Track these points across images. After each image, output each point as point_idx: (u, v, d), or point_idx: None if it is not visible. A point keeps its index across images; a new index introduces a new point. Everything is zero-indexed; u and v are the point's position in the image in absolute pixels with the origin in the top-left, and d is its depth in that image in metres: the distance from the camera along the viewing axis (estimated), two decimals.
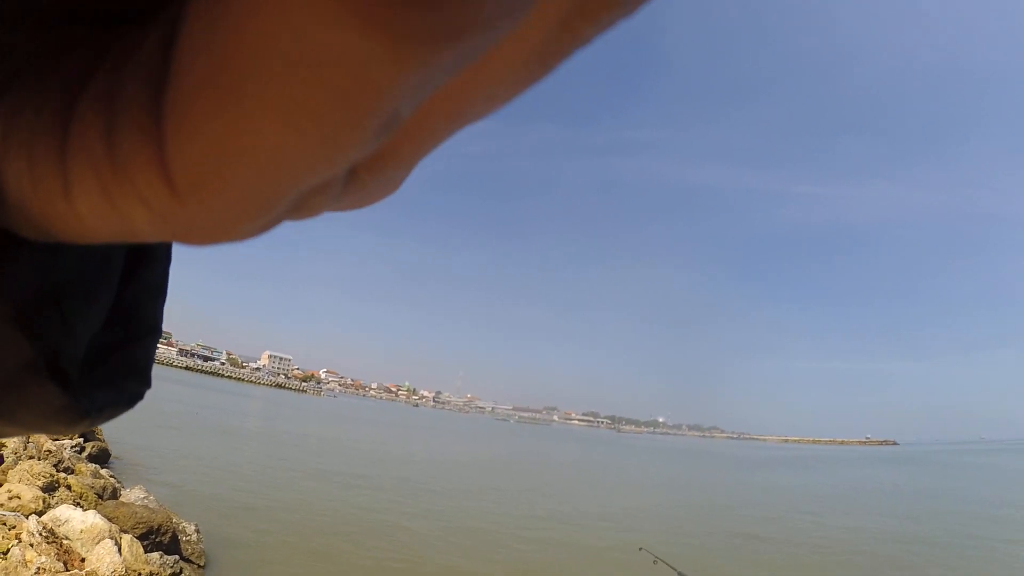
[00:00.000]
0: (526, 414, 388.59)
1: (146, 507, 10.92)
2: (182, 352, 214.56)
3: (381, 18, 0.13)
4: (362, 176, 0.21)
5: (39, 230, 0.23)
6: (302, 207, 0.21)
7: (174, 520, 10.96)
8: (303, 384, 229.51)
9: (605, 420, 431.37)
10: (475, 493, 25.00)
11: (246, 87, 0.15)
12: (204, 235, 0.20)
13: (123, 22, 0.22)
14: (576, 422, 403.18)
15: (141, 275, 0.35)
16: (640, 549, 7.73)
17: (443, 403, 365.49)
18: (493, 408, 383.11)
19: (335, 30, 0.13)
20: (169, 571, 9.32)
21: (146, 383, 0.36)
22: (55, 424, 0.29)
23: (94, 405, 0.31)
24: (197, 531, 11.32)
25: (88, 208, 0.20)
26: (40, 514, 8.62)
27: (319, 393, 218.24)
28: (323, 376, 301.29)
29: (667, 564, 6.38)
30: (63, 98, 0.21)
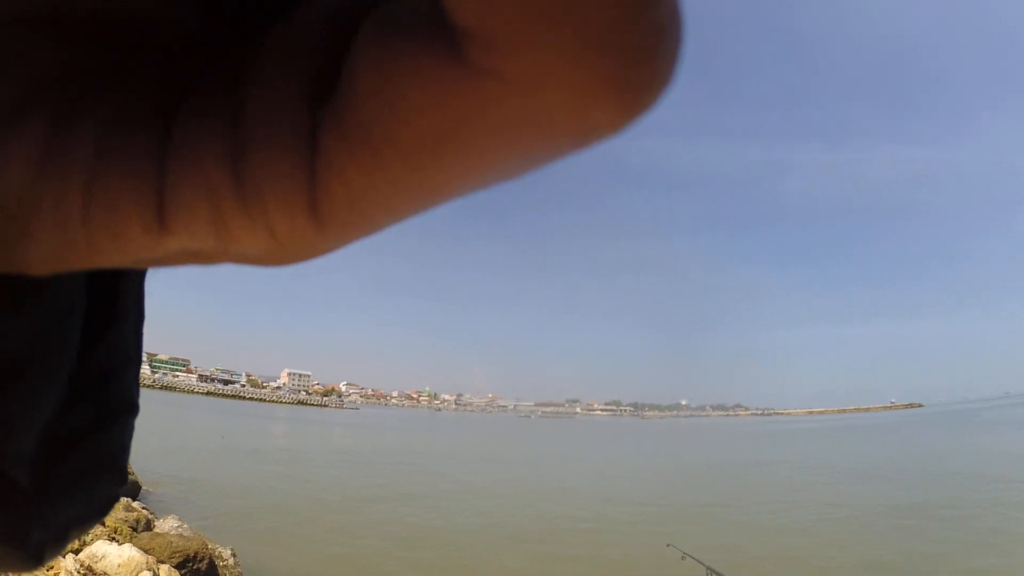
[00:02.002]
0: (548, 409, 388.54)
1: (181, 536, 10.92)
2: (202, 378, 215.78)
3: (627, 101, 0.14)
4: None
5: (70, 260, 0.20)
6: None
7: (210, 546, 10.94)
8: (324, 399, 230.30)
9: (628, 408, 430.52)
10: (484, 491, 25.03)
11: (428, 151, 0.16)
12: (306, 256, 0.19)
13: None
14: (599, 412, 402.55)
15: (108, 339, 0.30)
16: (668, 545, 7.71)
17: (465, 405, 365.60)
18: (515, 406, 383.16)
19: (588, 109, 0.15)
20: None
21: (122, 480, 0.31)
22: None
23: (50, 530, 0.26)
24: (233, 555, 11.30)
25: (185, 239, 0.19)
26: (76, 552, 8.64)
27: (341, 406, 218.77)
28: (343, 388, 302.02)
29: (696, 560, 6.35)
30: (158, 117, 0.20)
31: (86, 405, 0.29)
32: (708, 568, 5.79)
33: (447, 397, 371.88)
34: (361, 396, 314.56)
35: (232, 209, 0.18)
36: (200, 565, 10.22)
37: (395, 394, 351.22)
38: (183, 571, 9.66)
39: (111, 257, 0.20)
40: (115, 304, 0.30)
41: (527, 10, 0.13)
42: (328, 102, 0.17)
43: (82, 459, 0.28)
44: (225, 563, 10.97)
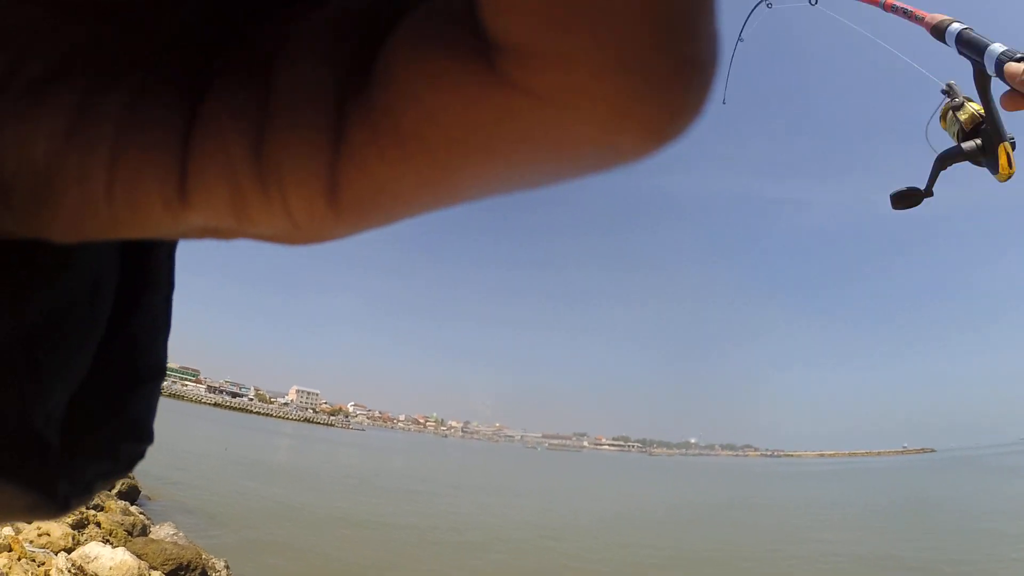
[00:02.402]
0: (556, 441, 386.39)
1: (175, 544, 10.92)
2: (211, 389, 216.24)
3: (651, 124, 0.15)
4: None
5: (93, 230, 0.21)
6: None
7: (203, 556, 10.92)
8: (331, 418, 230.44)
9: (636, 444, 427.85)
10: (500, 519, 24.83)
11: (454, 152, 0.16)
12: (322, 239, 0.20)
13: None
14: (607, 447, 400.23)
15: (140, 306, 0.31)
16: None
17: (471, 433, 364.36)
18: (522, 436, 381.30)
19: (599, 131, 0.15)
20: None
21: (147, 439, 0.32)
22: (31, 516, 0.26)
23: (78, 486, 0.27)
24: (227, 567, 11.24)
25: (205, 215, 0.20)
26: (69, 551, 8.62)
27: (347, 427, 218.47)
28: (351, 409, 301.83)
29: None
30: (184, 96, 0.20)
31: (116, 370, 0.29)
32: None
33: (454, 424, 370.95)
34: (368, 418, 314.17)
35: (252, 189, 0.18)
36: (192, 574, 10.20)
37: (402, 418, 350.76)
38: None
39: (132, 229, 0.20)
40: (147, 273, 0.31)
41: (564, 30, 0.14)
42: (358, 93, 0.18)
43: (110, 421, 0.29)
44: (217, 574, 10.91)
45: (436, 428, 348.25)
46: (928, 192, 2.22)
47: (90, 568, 8.18)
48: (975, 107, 2.15)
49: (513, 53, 0.15)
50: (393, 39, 0.17)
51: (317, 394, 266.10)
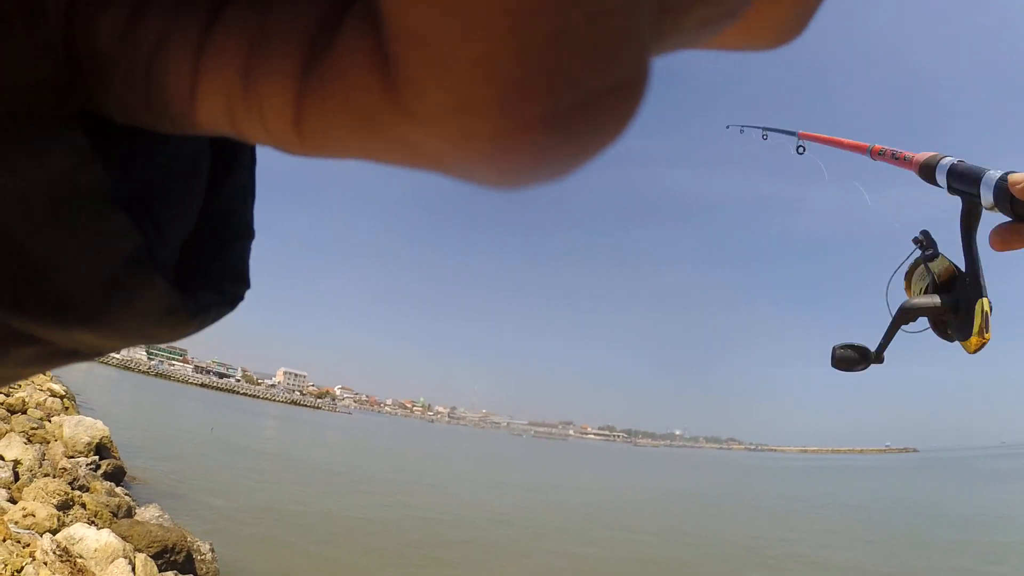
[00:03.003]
0: (542, 429, 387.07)
1: (161, 526, 10.92)
2: (197, 369, 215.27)
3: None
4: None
5: (141, 115, 0.24)
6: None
7: (188, 539, 10.94)
8: (318, 401, 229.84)
9: (621, 434, 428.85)
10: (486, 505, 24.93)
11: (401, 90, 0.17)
12: (301, 155, 0.22)
13: None
14: (592, 436, 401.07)
15: (229, 178, 0.36)
16: (727, 127, 7.71)
17: (458, 418, 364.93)
18: (508, 423, 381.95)
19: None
20: None
21: (246, 283, 0.36)
22: (161, 327, 0.29)
23: (200, 305, 0.31)
24: (212, 550, 11.28)
25: (207, 114, 0.23)
26: (54, 532, 8.60)
27: (334, 410, 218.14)
28: (338, 392, 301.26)
29: (752, 127, 6.33)
30: (207, 14, 0.23)
31: (215, 226, 0.35)
32: (763, 128, 5.76)
33: (441, 409, 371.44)
34: (355, 401, 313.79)
35: (239, 105, 0.22)
36: (177, 557, 10.20)
37: (389, 402, 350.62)
38: (160, 561, 9.63)
39: (163, 113, 0.24)
40: (234, 150, 0.36)
41: (447, 72, 0.15)
42: (325, 48, 0.20)
43: (215, 267, 0.34)
44: (203, 557, 10.95)
45: (423, 413, 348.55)
46: (878, 357, 1.87)
47: (75, 549, 8.17)
48: (950, 261, 1.85)
49: (395, 64, 0.17)
50: (351, 15, 0.20)
51: (304, 376, 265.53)
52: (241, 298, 0.36)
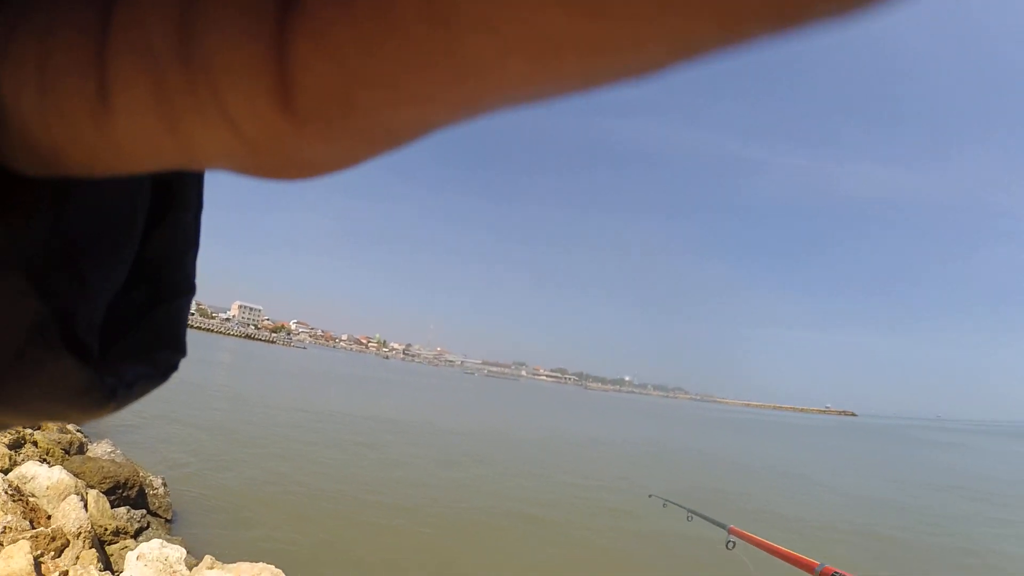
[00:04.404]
0: (495, 368, 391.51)
1: (113, 461, 10.99)
2: None
3: None
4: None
5: (46, 160, 0.19)
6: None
7: (141, 474, 10.98)
8: (273, 335, 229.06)
9: (572, 377, 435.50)
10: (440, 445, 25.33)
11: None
12: (291, 169, 0.17)
13: None
14: (544, 377, 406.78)
15: (170, 224, 0.31)
16: (650, 496, 7.92)
17: (413, 356, 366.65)
18: (463, 361, 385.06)
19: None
20: (136, 526, 9.37)
21: (181, 351, 0.32)
22: (73, 408, 0.25)
23: (122, 382, 0.27)
24: (164, 485, 11.34)
25: (131, 126, 0.17)
26: (6, 472, 8.63)
27: (289, 344, 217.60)
28: (293, 327, 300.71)
29: (677, 505, 6.57)
30: None
31: (148, 284, 0.30)
32: (688, 511, 6.00)
33: (396, 346, 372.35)
34: (311, 336, 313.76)
35: (178, 84, 0.15)
36: (130, 492, 10.28)
37: (344, 337, 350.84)
38: (112, 497, 9.71)
39: (74, 142, 0.18)
40: (176, 194, 0.30)
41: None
42: None
43: (146, 330, 0.30)
44: (155, 492, 11.04)
45: (378, 349, 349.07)
46: None
47: (27, 488, 8.25)
48: None
49: None
50: None
51: (260, 310, 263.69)
52: (175, 369, 0.32)
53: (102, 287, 0.27)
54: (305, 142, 0.15)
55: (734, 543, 4.52)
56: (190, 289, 0.33)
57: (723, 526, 4.84)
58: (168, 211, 0.30)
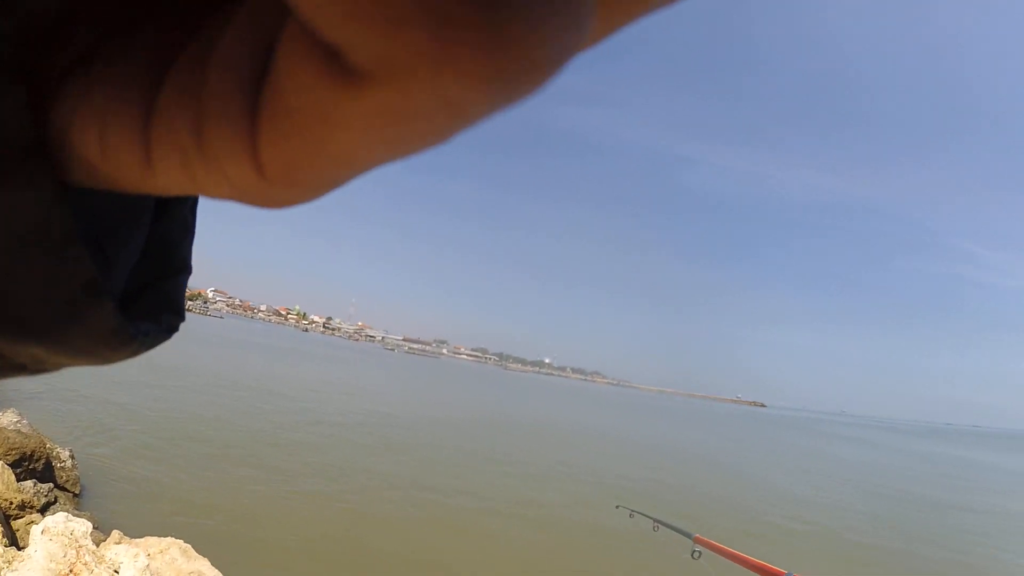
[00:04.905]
0: (416, 345, 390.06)
1: (19, 432, 10.71)
2: None
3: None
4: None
5: (99, 185, 0.27)
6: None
7: (48, 446, 10.82)
8: (189, 303, 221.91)
9: (493, 357, 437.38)
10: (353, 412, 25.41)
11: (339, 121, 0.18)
12: (274, 204, 0.23)
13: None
14: (465, 356, 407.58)
15: (172, 214, 0.39)
16: (617, 507, 8.06)
17: (333, 329, 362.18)
18: (383, 337, 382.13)
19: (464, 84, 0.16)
20: (43, 500, 9.29)
21: (182, 315, 0.40)
22: (105, 348, 0.32)
23: (140, 331, 0.34)
24: (72, 457, 11.20)
25: (167, 179, 0.24)
26: None
27: (205, 313, 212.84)
28: (211, 295, 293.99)
29: (644, 515, 6.67)
30: (149, 76, 0.24)
31: (153, 265, 0.38)
32: (655, 521, 6.10)
33: (316, 319, 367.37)
34: (228, 306, 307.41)
35: (198, 163, 0.22)
36: (36, 465, 10.15)
37: (263, 308, 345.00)
38: (18, 470, 9.57)
39: (126, 184, 0.26)
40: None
41: (375, 21, 0.15)
42: (266, 84, 0.20)
43: (152, 298, 0.38)
44: (63, 465, 10.92)
45: (298, 322, 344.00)
46: None
47: None
48: None
49: (344, 49, 0.17)
50: (277, 50, 0.20)
51: None
52: (176, 329, 0.39)
53: (122, 262, 0.35)
54: (275, 191, 0.22)
55: (700, 552, 4.59)
56: (187, 269, 0.41)
57: (689, 535, 4.91)
58: (171, 202, 0.39)
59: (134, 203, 0.36)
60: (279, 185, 0.22)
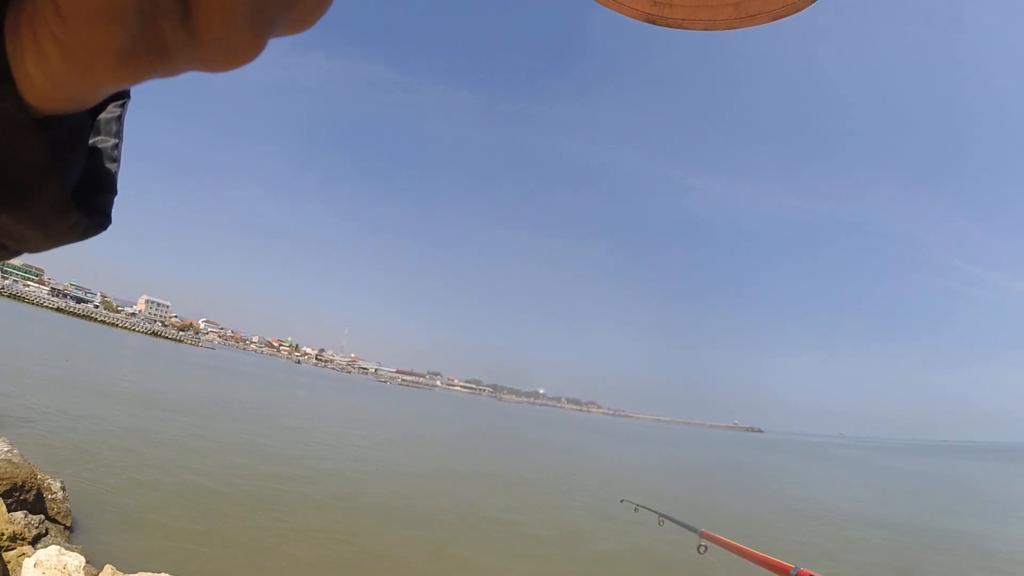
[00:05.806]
0: (409, 378, 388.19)
1: (10, 462, 10.47)
2: (54, 292, 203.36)
3: None
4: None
5: (47, 102, 0.29)
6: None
7: (39, 476, 10.61)
8: (181, 333, 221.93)
9: (487, 388, 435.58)
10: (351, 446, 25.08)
11: None
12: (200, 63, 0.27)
13: None
14: (459, 388, 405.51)
15: (99, 145, 0.45)
16: (622, 501, 7.98)
17: (326, 361, 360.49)
18: (376, 369, 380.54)
19: None
20: (35, 532, 9.12)
21: (110, 221, 0.45)
22: (54, 218, 0.37)
23: (80, 219, 0.39)
24: (63, 489, 11.00)
25: (45, 75, 0.27)
26: None
27: (197, 344, 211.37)
28: (202, 326, 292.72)
29: (649, 509, 6.62)
30: None
31: (89, 183, 0.44)
32: (660, 515, 6.03)
33: (308, 351, 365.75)
34: (220, 336, 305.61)
35: (63, 38, 0.26)
36: (27, 496, 9.96)
37: (255, 339, 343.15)
38: (9, 500, 9.42)
39: (61, 91, 0.29)
40: (107, 120, 0.47)
41: None
42: None
43: (88, 202, 0.42)
44: (54, 496, 10.72)
45: (290, 353, 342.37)
46: None
47: None
48: None
49: None
50: None
51: (168, 306, 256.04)
52: (105, 228, 0.44)
53: (72, 175, 0.40)
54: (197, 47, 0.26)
55: (706, 547, 4.51)
56: (114, 189, 0.47)
57: (694, 530, 4.83)
58: (99, 133, 0.46)
59: (76, 131, 0.39)
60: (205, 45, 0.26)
